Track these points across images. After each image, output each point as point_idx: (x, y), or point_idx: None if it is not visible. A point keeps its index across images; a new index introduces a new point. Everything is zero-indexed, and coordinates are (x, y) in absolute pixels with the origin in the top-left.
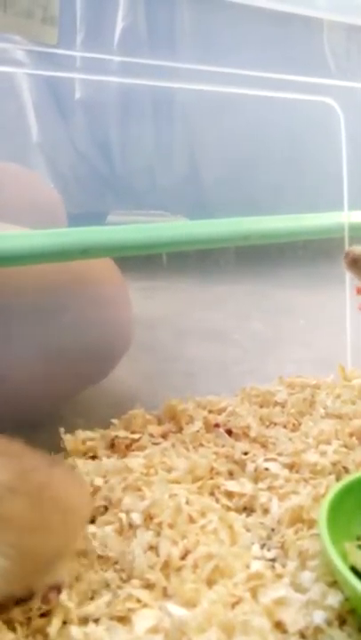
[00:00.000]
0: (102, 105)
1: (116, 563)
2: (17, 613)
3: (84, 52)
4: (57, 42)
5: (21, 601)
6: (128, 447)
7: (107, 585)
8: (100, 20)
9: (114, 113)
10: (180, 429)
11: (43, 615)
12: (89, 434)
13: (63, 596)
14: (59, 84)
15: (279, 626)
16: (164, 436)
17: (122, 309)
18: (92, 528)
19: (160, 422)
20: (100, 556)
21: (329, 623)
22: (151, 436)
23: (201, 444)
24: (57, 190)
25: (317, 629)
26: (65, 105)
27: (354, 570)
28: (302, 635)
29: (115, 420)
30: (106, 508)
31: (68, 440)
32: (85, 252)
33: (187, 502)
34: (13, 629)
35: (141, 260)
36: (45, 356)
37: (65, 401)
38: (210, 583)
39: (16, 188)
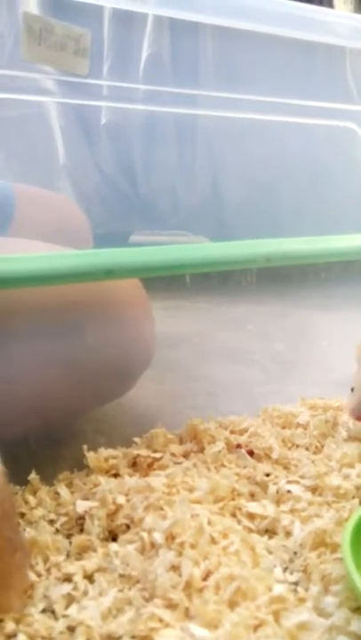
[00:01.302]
0: (127, 130)
1: (138, 582)
2: (40, 627)
3: (111, 81)
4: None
5: (45, 614)
6: (150, 466)
7: (129, 603)
8: (125, 49)
9: (138, 138)
10: (202, 449)
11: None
12: (111, 452)
13: (86, 614)
14: (85, 111)
15: None
16: (185, 456)
17: (145, 328)
18: (114, 546)
19: (182, 442)
20: (121, 575)
21: None
22: (173, 455)
23: (223, 465)
24: (82, 211)
25: None
26: (91, 130)
27: None
28: None
29: (137, 439)
30: (128, 527)
31: (91, 458)
32: (110, 273)
33: (208, 523)
34: None
35: (165, 280)
36: (66, 372)
37: (82, 416)
38: (232, 605)
39: (47, 211)
